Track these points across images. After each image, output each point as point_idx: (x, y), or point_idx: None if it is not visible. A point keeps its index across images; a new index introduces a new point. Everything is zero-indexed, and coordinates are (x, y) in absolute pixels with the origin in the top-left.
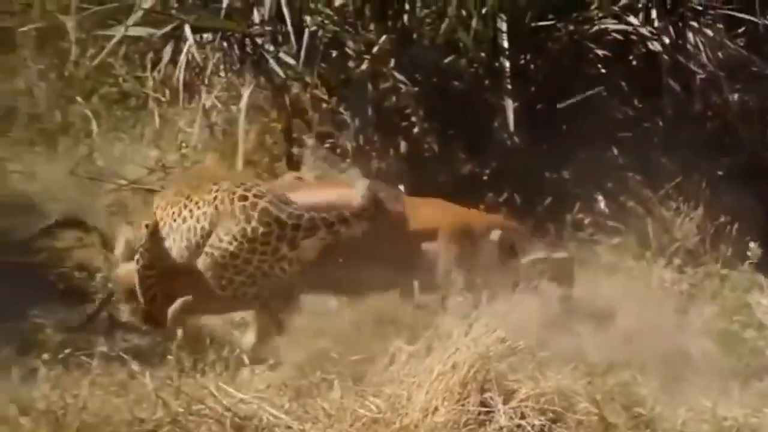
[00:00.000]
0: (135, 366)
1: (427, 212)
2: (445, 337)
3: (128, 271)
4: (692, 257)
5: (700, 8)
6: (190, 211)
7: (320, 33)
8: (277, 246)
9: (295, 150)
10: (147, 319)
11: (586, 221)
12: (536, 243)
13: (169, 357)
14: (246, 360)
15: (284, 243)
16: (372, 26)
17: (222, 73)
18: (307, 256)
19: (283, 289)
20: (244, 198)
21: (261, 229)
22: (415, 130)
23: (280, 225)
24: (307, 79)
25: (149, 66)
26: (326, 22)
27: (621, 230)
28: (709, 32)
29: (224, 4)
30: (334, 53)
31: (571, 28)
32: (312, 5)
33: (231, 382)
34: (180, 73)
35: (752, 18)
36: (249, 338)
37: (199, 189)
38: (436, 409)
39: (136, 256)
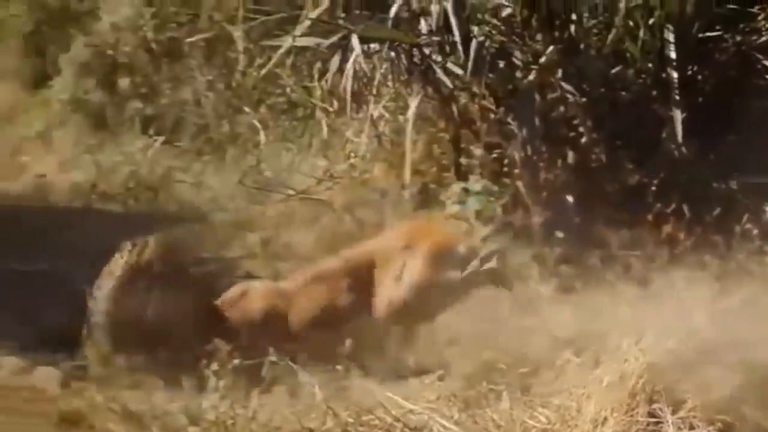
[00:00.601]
0: (304, 376)
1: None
2: (613, 348)
3: None
4: None
5: None
6: None
7: (487, 43)
8: None
9: (463, 160)
10: None
11: (755, 232)
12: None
13: (338, 367)
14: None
15: None
16: (539, 36)
17: (389, 83)
18: None
19: None
20: None
21: None
22: (583, 140)
23: None
24: (475, 89)
25: (317, 76)
26: (493, 32)
27: None
28: None
29: (391, 15)
30: (502, 63)
31: (739, 38)
32: (479, 15)
33: (401, 393)
34: (347, 83)
35: None
36: None
37: None
38: (605, 419)
39: None
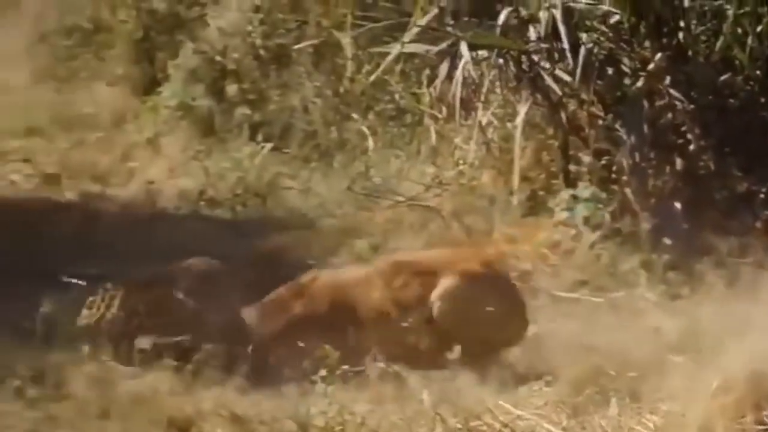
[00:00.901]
0: (413, 383)
1: None
2: (720, 354)
3: None
4: None
5: None
6: None
7: (596, 50)
8: None
9: (571, 167)
10: None
11: None
12: None
13: (447, 373)
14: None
15: None
16: (647, 43)
17: (498, 90)
18: None
19: None
20: None
21: None
22: (691, 147)
23: None
24: (584, 96)
25: (425, 82)
26: (602, 39)
27: None
28: None
29: (500, 22)
30: (610, 70)
31: None
32: (588, 22)
33: (509, 399)
34: (456, 90)
35: None
36: None
37: None
38: (713, 426)
39: None
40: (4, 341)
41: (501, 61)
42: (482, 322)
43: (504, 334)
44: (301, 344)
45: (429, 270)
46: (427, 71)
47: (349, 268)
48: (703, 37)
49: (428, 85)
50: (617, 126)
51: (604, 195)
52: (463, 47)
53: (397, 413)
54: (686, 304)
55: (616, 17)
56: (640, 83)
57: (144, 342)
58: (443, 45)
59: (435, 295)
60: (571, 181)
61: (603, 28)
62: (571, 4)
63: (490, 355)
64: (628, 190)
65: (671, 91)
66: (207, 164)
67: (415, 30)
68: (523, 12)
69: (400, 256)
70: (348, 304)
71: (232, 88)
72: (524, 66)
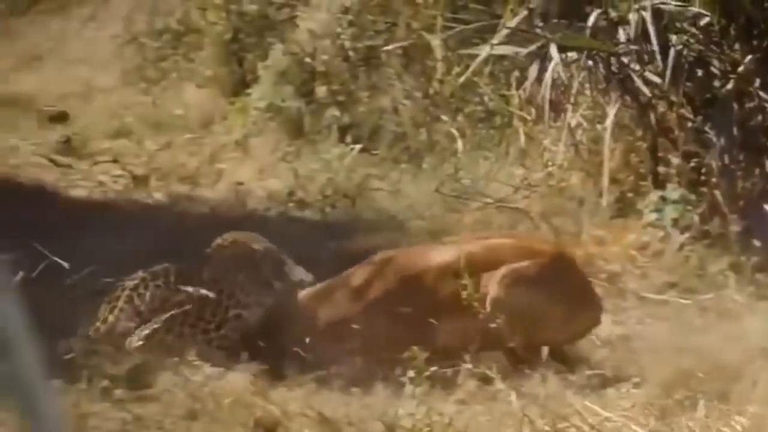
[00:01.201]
0: (500, 384)
1: None
2: None
3: None
4: None
5: None
6: None
7: (685, 52)
8: None
9: (660, 168)
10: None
11: None
12: None
13: (535, 375)
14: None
15: None
16: (737, 45)
17: (587, 92)
18: None
19: None
20: None
21: None
22: None
23: None
24: (673, 97)
25: (514, 84)
26: (691, 41)
27: None
28: None
29: (589, 23)
30: (699, 72)
31: None
32: (677, 24)
33: (597, 401)
34: (545, 92)
35: None
36: None
37: None
38: None
39: None
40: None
41: (590, 62)
42: (540, 312)
43: (570, 326)
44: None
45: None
46: (516, 73)
47: (423, 248)
48: None
49: (517, 87)
50: (706, 128)
51: (693, 197)
52: (553, 49)
53: (485, 414)
54: None
55: (706, 19)
56: (729, 85)
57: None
58: (533, 47)
59: (492, 281)
60: (659, 183)
61: (693, 30)
62: (661, 6)
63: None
64: (717, 192)
65: (761, 93)
66: (296, 166)
67: (505, 32)
68: (613, 14)
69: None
70: (425, 290)
71: (321, 90)
72: (614, 68)
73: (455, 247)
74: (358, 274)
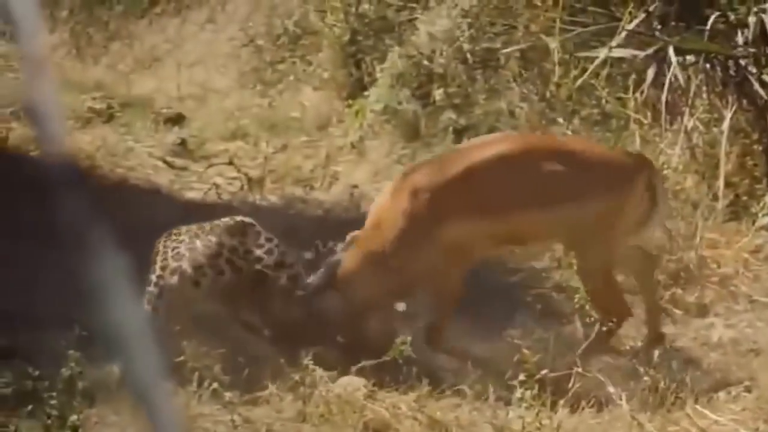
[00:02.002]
0: (611, 387)
1: None
2: None
3: None
4: None
5: None
6: None
7: None
8: None
9: None
10: None
11: None
12: None
13: (645, 379)
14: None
15: None
16: None
17: (704, 95)
18: None
19: None
20: None
21: None
22: None
23: None
24: None
25: (631, 87)
26: None
27: None
28: None
29: (708, 26)
30: None
31: None
32: None
33: (706, 404)
34: (663, 95)
35: None
36: None
37: None
38: None
39: None
40: (201, 344)
41: (708, 65)
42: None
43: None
44: None
45: None
46: (633, 76)
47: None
48: None
49: (634, 91)
50: None
51: None
52: (671, 52)
53: (594, 418)
54: None
55: None
56: None
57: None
58: (650, 50)
59: None
60: None
61: None
62: None
63: None
64: None
65: None
66: None
67: (623, 34)
68: (731, 17)
69: None
70: None
71: (438, 92)
72: (731, 71)
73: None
74: None
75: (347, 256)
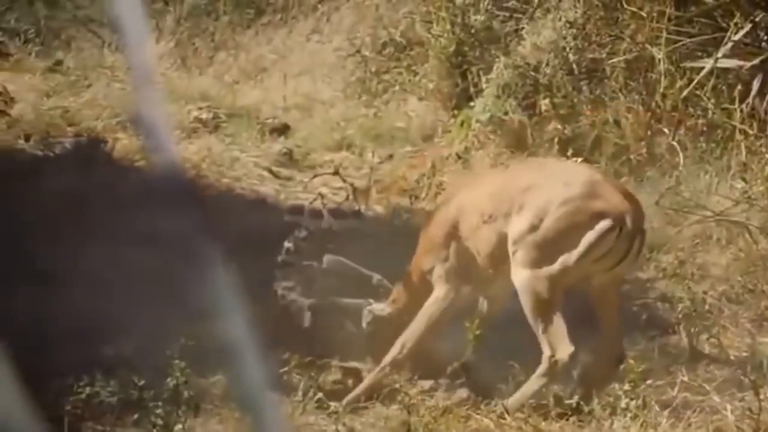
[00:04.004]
0: (715, 398)
1: None
2: None
3: None
4: None
5: None
6: None
7: None
8: None
9: None
10: None
11: None
12: None
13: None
14: None
15: None
16: None
17: None
18: None
19: None
20: None
21: None
22: None
23: None
24: None
25: (737, 98)
26: None
27: None
28: None
29: None
30: None
31: None
32: None
33: None
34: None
35: None
36: None
37: None
38: None
39: None
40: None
41: None
42: None
43: None
44: None
45: None
46: (739, 87)
47: None
48: None
49: (740, 101)
50: None
51: None
52: None
53: (700, 427)
54: None
55: None
56: None
57: None
58: (756, 60)
59: None
60: None
61: None
62: None
63: None
64: None
65: None
66: None
67: (729, 45)
68: None
69: None
70: None
71: (544, 103)
72: None
73: None
74: None
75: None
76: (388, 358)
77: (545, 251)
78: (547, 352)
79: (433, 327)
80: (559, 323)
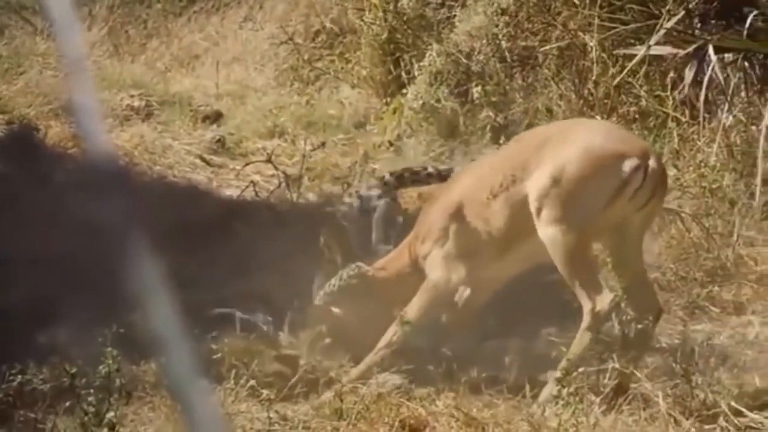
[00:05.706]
0: (647, 385)
1: None
2: None
3: None
4: None
5: None
6: None
7: None
8: None
9: None
10: None
11: None
12: None
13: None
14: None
15: None
16: None
17: (742, 93)
18: None
19: None
20: None
21: None
22: None
23: None
24: None
25: (670, 85)
26: None
27: None
28: None
29: (747, 24)
30: None
31: None
32: None
33: (743, 402)
34: (701, 94)
35: None
36: None
37: None
38: None
39: None
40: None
41: (747, 64)
42: None
43: None
44: None
45: None
46: (672, 74)
47: None
48: None
49: (673, 89)
50: None
51: None
52: (710, 50)
53: (631, 415)
54: None
55: None
56: None
57: None
58: (690, 48)
59: None
60: None
61: None
62: None
63: None
64: None
65: None
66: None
67: (662, 32)
68: None
69: None
70: None
71: (476, 90)
72: None
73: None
74: None
75: None
76: (383, 341)
77: (571, 202)
78: (587, 305)
79: (429, 310)
80: (593, 274)
